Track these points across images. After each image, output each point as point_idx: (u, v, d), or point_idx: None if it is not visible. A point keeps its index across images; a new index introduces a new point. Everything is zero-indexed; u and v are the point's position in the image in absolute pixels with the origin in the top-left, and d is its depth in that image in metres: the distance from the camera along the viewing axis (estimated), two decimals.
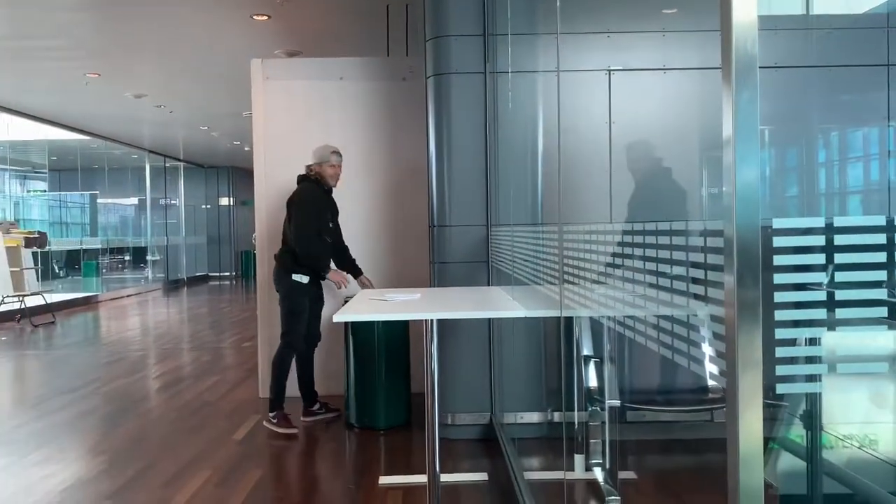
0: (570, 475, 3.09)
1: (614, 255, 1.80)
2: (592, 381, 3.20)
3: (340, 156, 4.64)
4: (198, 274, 20.31)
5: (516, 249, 3.30)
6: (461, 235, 4.22)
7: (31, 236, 10.60)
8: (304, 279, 4.49)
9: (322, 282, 4.66)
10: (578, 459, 3.25)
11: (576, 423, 3.19)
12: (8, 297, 10.07)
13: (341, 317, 2.77)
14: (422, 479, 3.51)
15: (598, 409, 3.19)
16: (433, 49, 4.37)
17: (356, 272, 4.81)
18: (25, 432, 4.66)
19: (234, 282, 19.70)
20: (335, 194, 4.78)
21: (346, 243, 4.93)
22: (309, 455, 4.18)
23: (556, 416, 3.93)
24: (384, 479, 3.56)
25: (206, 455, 4.01)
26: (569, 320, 2.92)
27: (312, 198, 4.52)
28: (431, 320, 2.98)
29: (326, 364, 5.34)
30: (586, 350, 3.21)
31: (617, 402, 3.06)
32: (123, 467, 3.89)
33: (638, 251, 1.59)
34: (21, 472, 3.86)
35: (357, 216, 5.38)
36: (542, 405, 4.04)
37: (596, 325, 3.00)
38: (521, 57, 3.88)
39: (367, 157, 5.40)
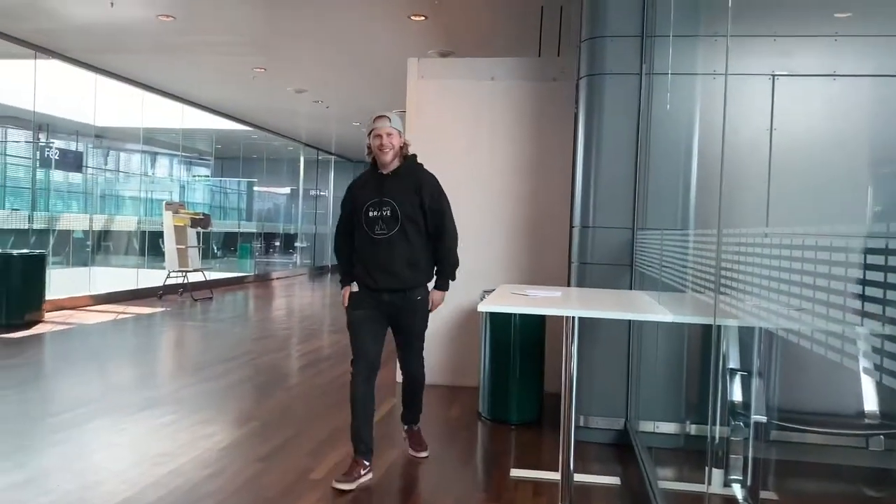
0: (710, 489, 3.01)
1: (787, 262, 1.75)
2: (737, 395, 3.11)
3: (386, 119, 3.50)
4: None
5: (666, 253, 3.25)
6: (604, 237, 4.19)
7: (197, 217, 11.50)
8: (354, 286, 3.63)
9: (394, 296, 3.54)
10: (717, 474, 3.16)
11: (717, 436, 3.10)
12: (174, 272, 10.98)
13: (485, 307, 2.85)
14: (553, 475, 3.53)
15: (742, 424, 3.09)
16: (588, 49, 4.37)
17: (436, 285, 3.69)
18: (188, 393, 5.10)
19: None
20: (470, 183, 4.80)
21: (491, 237, 4.99)
22: (441, 441, 4.30)
23: (695, 430, 3.83)
24: (515, 472, 3.61)
25: (346, 431, 4.21)
26: (719, 329, 2.85)
27: (350, 184, 3.72)
28: (573, 318, 2.99)
29: (460, 356, 5.47)
30: (733, 362, 3.12)
31: (763, 418, 2.95)
32: (272, 434, 4.17)
33: (811, 260, 1.55)
34: (186, 429, 4.24)
35: (499, 213, 5.46)
36: (681, 416, 3.94)
37: (746, 337, 2.91)
38: (681, 59, 3.81)
39: (514, 155, 5.46)
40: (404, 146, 3.59)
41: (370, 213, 3.50)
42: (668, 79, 3.95)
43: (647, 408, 3.98)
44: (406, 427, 3.98)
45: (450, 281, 3.72)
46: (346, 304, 3.62)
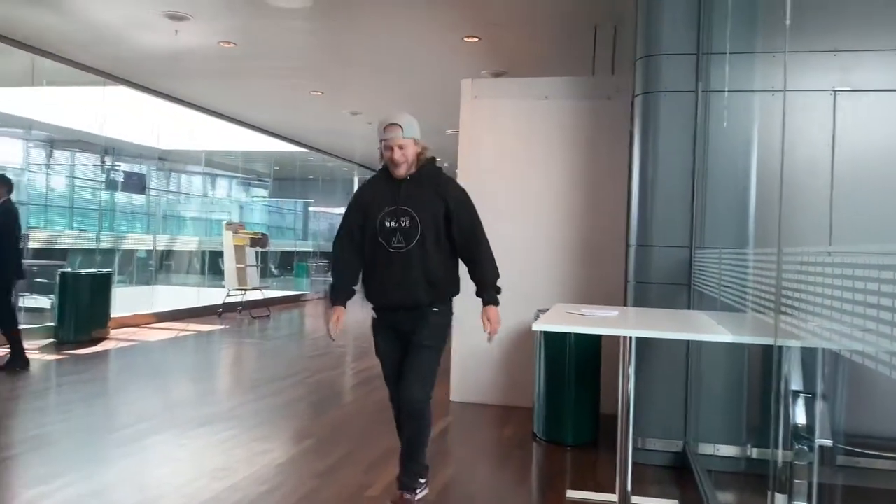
0: None
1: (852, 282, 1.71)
2: (801, 418, 3.03)
3: (397, 128, 3.10)
4: None
5: (724, 273, 3.20)
6: (662, 256, 4.14)
7: (256, 237, 11.77)
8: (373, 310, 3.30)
9: (411, 314, 3.18)
10: (780, 499, 3.07)
11: (780, 460, 3.02)
12: (233, 290, 11.24)
13: (540, 326, 2.85)
14: (610, 497, 3.48)
15: (806, 447, 3.00)
16: (643, 68, 4.35)
17: (486, 299, 3.26)
18: (245, 411, 5.20)
19: None
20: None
21: (544, 256, 4.97)
22: (496, 461, 4.29)
23: (756, 453, 3.73)
24: (571, 493, 3.57)
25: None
26: (780, 350, 2.78)
27: (358, 190, 3.43)
28: (630, 339, 2.97)
29: (514, 375, 5.45)
30: (795, 384, 3.04)
31: (829, 442, 2.86)
32: (328, 451, 4.22)
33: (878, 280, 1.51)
34: (243, 445, 4.32)
35: (553, 232, 5.45)
36: (742, 439, 3.85)
37: (809, 358, 2.84)
38: (738, 76, 3.77)
39: (568, 174, 5.45)
40: (422, 151, 3.18)
41: (387, 224, 3.11)
42: (725, 96, 3.91)
43: (707, 430, 3.90)
44: (400, 491, 3.19)
45: (497, 295, 3.24)
46: (334, 329, 3.18)
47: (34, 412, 5.06)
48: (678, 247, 4.10)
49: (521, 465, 4.22)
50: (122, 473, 3.73)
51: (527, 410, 5.14)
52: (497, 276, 3.27)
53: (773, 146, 2.99)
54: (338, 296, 3.26)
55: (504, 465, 4.18)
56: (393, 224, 3.11)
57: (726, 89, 3.89)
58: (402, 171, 3.13)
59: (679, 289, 4.09)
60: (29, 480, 3.59)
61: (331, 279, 3.31)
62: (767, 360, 3.09)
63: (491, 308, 3.23)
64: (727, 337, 2.71)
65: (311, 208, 22.04)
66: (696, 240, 4.05)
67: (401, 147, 3.10)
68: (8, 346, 6.30)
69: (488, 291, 3.22)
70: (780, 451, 3.02)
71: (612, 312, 3.51)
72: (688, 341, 4.02)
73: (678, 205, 4.12)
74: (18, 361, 6.24)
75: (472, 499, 3.59)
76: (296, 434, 4.66)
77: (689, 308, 4.02)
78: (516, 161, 5.56)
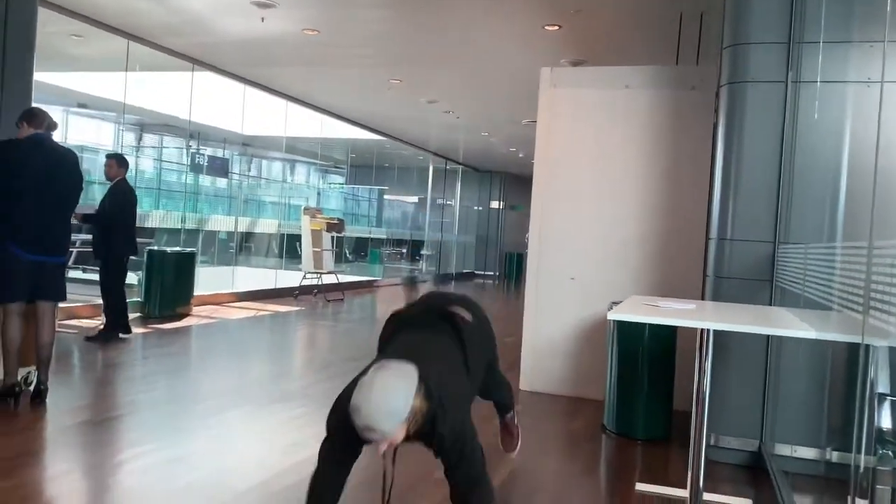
0: None
1: None
2: (886, 422, 2.91)
3: (374, 433, 2.17)
4: (465, 271, 21.49)
5: (810, 268, 3.10)
6: (743, 250, 4.03)
7: (332, 222, 12.02)
8: None
9: None
10: None
11: (862, 465, 2.91)
12: (309, 273, 11.51)
13: (615, 315, 2.82)
14: (680, 492, 3.44)
15: (891, 453, 2.88)
16: (730, 57, 4.23)
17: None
18: (318, 389, 5.34)
19: (498, 281, 20.52)
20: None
21: (620, 248, 4.93)
22: (565, 451, 4.28)
23: (836, 457, 3.61)
24: (641, 486, 3.54)
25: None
26: (867, 350, 2.68)
27: (339, 416, 2.41)
28: (708, 332, 2.91)
29: (585, 367, 5.41)
30: (882, 387, 2.92)
31: None
32: None
33: None
34: (316, 423, 4.41)
35: (630, 224, 5.37)
36: (821, 441, 3.72)
37: None
38: (831, 66, 3.62)
39: (647, 165, 5.36)
40: (416, 418, 2.23)
41: None
42: (817, 87, 3.77)
43: (785, 430, 3.79)
44: None
45: None
46: None
47: (125, 381, 5.33)
48: (761, 241, 3.98)
49: (590, 456, 4.20)
50: (203, 442, 3.90)
51: (597, 403, 5.10)
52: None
53: (866, 139, 2.87)
54: None
55: (572, 456, 4.17)
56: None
57: (818, 80, 3.75)
58: (390, 452, 2.49)
59: (761, 285, 3.97)
60: (123, 443, 3.81)
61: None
62: (853, 360, 2.98)
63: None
64: (811, 333, 2.63)
65: (385, 196, 22.33)
66: (780, 235, 3.93)
67: (384, 441, 2.21)
68: (105, 316, 6.64)
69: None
70: (862, 456, 2.91)
71: (690, 305, 3.45)
72: (768, 337, 3.91)
73: (762, 198, 4.00)
74: (111, 333, 6.57)
75: (538, 488, 3.59)
76: None
77: (771, 305, 3.91)
78: (594, 151, 5.50)
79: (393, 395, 2.14)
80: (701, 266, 4.96)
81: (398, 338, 2.73)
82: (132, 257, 6.90)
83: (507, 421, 3.54)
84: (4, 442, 3.70)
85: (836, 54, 3.68)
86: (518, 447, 3.56)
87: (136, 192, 6.92)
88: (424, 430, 2.31)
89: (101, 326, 6.59)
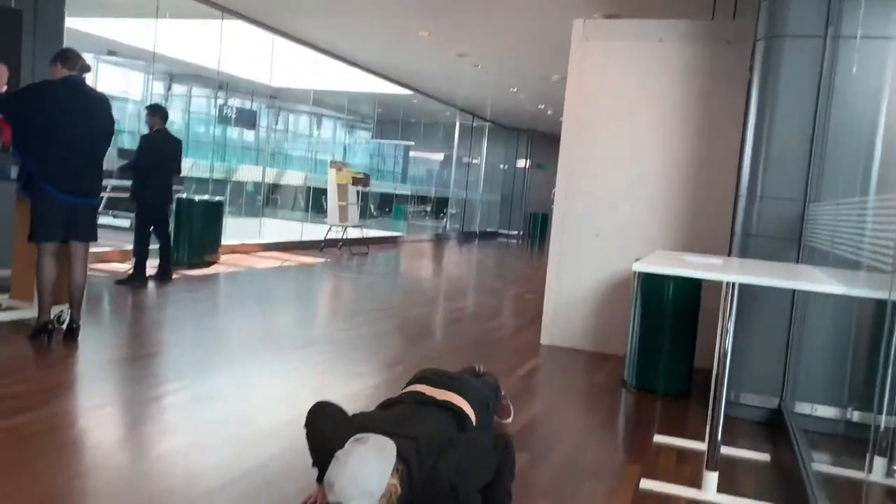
0: (870, 477, 2.85)
1: None
2: None
3: None
4: (489, 229, 21.47)
5: (839, 225, 3.06)
6: (772, 208, 3.99)
7: (358, 176, 12.04)
8: None
9: None
10: (879, 462, 2.98)
11: (882, 424, 2.92)
12: (334, 226, 11.59)
13: (641, 266, 2.82)
14: (697, 444, 3.47)
15: None
16: (767, 10, 4.13)
17: None
18: (342, 337, 5.42)
19: (521, 241, 20.50)
20: None
21: (647, 205, 4.90)
22: (584, 403, 4.32)
23: (857, 416, 3.61)
24: (659, 438, 3.57)
25: None
26: (894, 308, 2.66)
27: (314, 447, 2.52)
28: (733, 285, 2.90)
29: (607, 323, 5.43)
30: None
31: None
32: None
33: None
34: (341, 367, 4.53)
35: (658, 179, 5.33)
36: (842, 401, 3.72)
37: None
38: (874, 21, 3.53)
39: (679, 120, 5.28)
40: (391, 501, 2.11)
41: None
42: (857, 42, 3.68)
43: (806, 389, 3.79)
44: None
45: None
46: None
47: (154, 324, 5.45)
48: (791, 199, 3.94)
49: (610, 409, 4.24)
50: (231, 383, 3.99)
51: (617, 359, 5.13)
52: None
53: None
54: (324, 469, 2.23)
55: (592, 408, 4.22)
56: None
57: (858, 34, 3.65)
58: None
59: (789, 243, 3.94)
60: (154, 380, 3.92)
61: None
62: (878, 318, 2.96)
63: None
64: (839, 288, 2.61)
65: (411, 153, 22.28)
66: (811, 193, 3.88)
67: None
68: (133, 262, 6.81)
69: None
70: (883, 416, 2.91)
71: (717, 260, 3.44)
72: (793, 295, 3.90)
73: (795, 156, 3.94)
74: (142, 279, 6.74)
75: (557, 435, 3.64)
76: (388, 361, 4.83)
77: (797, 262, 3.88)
78: (625, 106, 5.43)
79: (367, 473, 2.05)
80: (729, 225, 4.92)
81: (397, 404, 2.69)
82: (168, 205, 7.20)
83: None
84: (40, 375, 3.82)
85: (878, 10, 3.58)
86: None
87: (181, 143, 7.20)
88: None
89: (131, 271, 6.73)
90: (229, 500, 2.49)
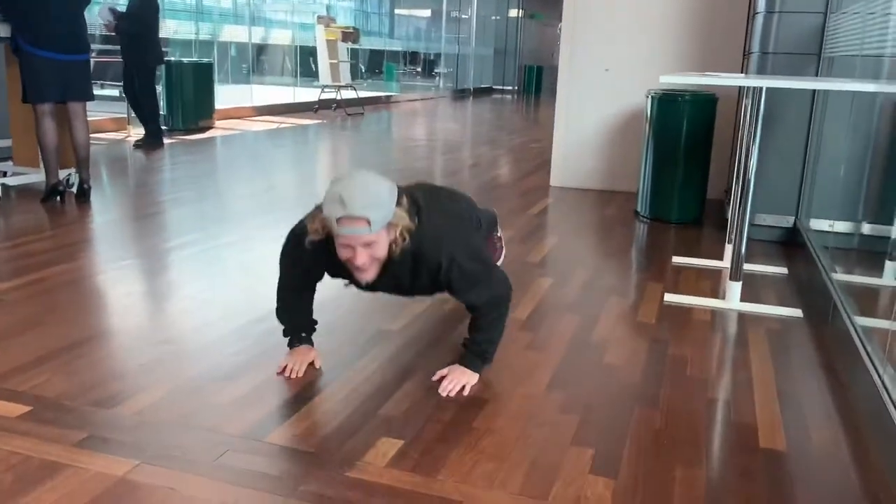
0: (884, 282, 2.92)
1: None
2: None
3: (361, 222, 1.85)
4: (483, 86, 21.00)
5: (868, 27, 2.96)
6: (791, 22, 3.86)
7: (347, 31, 11.58)
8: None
9: None
10: (890, 266, 3.04)
11: (892, 234, 2.95)
12: (327, 87, 11.29)
13: (667, 78, 2.75)
14: (716, 263, 3.54)
15: None
16: None
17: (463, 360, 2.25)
18: None
19: (516, 96, 20.09)
20: None
21: (657, 37, 4.74)
22: (600, 233, 4.36)
23: (870, 230, 3.66)
24: (677, 259, 3.63)
25: (507, 221, 4.37)
26: None
27: (298, 249, 2.25)
28: (760, 90, 2.83)
29: (617, 161, 5.40)
30: None
31: None
32: None
33: None
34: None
35: (667, 4, 5.14)
36: (857, 216, 3.76)
37: None
38: None
39: None
40: (399, 235, 1.95)
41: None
42: None
43: (822, 206, 3.82)
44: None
45: (482, 362, 2.23)
46: (297, 374, 2.21)
47: (160, 184, 5.40)
48: (812, 12, 3.80)
49: (625, 236, 4.28)
50: (234, 236, 3.99)
51: (628, 195, 5.15)
52: (491, 340, 2.24)
53: None
54: (293, 333, 2.30)
55: (608, 236, 4.26)
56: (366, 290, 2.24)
57: None
58: (370, 275, 2.00)
59: (808, 59, 3.84)
60: (166, 234, 3.92)
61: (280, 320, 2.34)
62: None
63: (459, 370, 2.20)
64: (867, 86, 2.56)
65: (397, 10, 21.38)
66: (832, 3, 3.74)
67: (367, 245, 1.91)
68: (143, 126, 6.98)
69: (469, 357, 2.21)
70: (893, 228, 2.94)
71: (738, 77, 3.35)
72: (810, 113, 3.85)
73: None
74: (153, 140, 6.89)
75: (577, 261, 3.69)
76: None
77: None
78: None
79: (376, 186, 1.88)
80: (742, 46, 4.79)
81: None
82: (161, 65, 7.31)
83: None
84: (60, 232, 3.82)
85: None
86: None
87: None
88: (416, 255, 2.02)
89: (144, 135, 6.95)
90: (244, 340, 2.55)
